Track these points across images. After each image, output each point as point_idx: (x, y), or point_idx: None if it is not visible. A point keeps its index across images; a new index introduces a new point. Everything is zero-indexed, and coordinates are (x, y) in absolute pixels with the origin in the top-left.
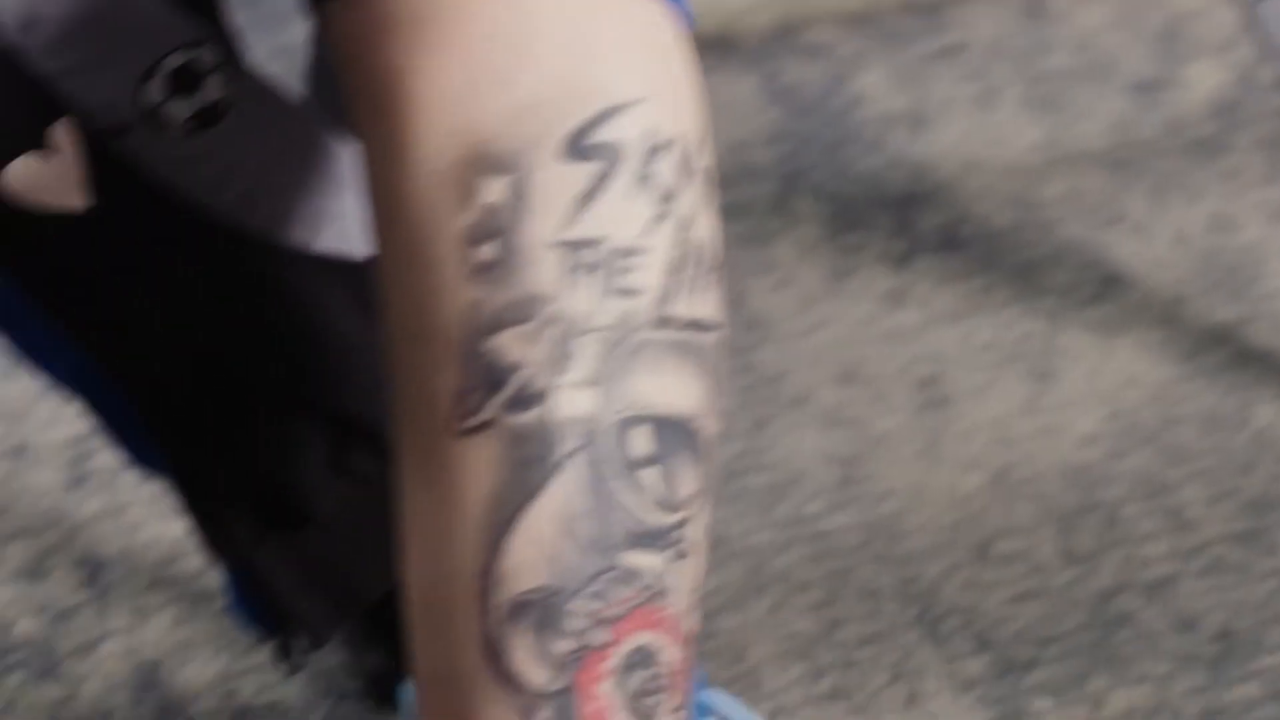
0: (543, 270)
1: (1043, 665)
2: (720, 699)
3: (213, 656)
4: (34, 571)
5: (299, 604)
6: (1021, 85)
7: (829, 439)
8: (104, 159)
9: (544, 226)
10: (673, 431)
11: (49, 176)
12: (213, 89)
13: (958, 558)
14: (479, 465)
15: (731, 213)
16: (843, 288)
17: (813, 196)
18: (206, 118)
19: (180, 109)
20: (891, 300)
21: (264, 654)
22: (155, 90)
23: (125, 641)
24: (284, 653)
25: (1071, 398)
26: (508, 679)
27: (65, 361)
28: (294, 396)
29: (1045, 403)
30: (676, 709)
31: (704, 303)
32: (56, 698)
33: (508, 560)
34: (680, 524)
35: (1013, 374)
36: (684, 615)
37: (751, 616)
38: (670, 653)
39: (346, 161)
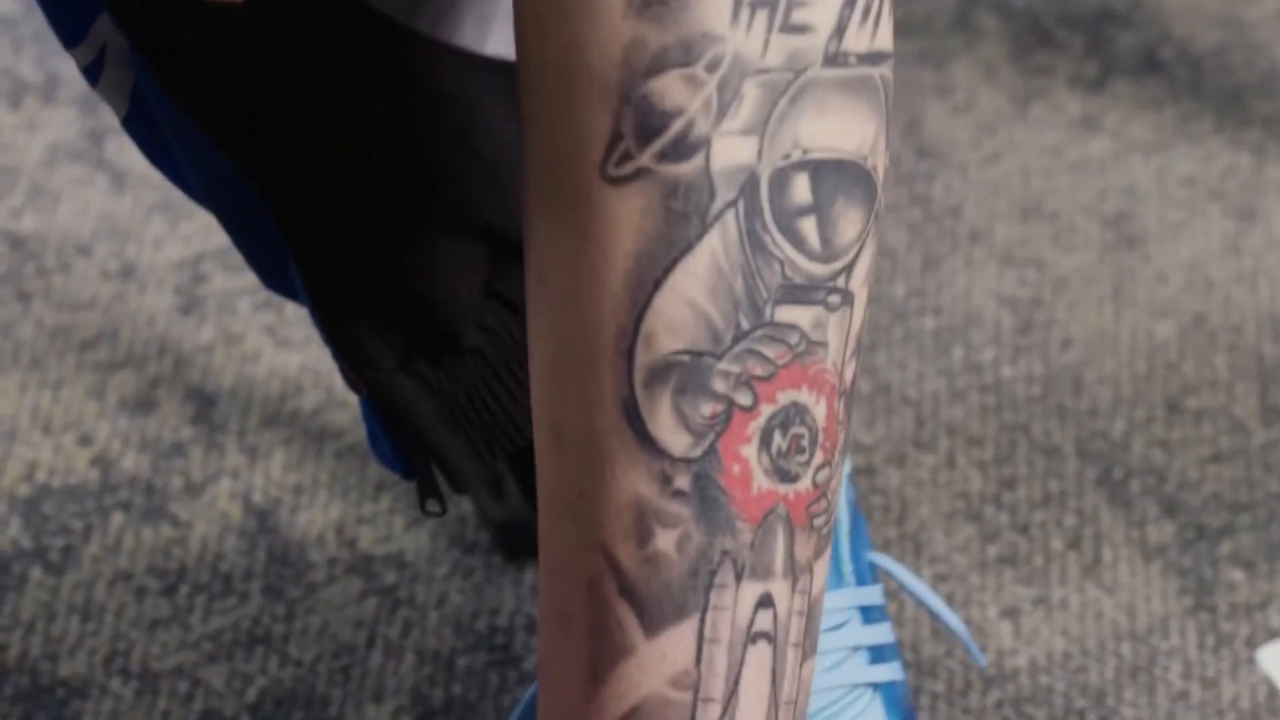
0: (710, 6)
1: (1236, 533)
2: (880, 559)
3: (331, 501)
4: (141, 403)
5: (443, 440)
6: None
7: (1006, 280)
8: None
9: None
10: (837, 174)
11: None
12: None
13: (1146, 413)
14: (629, 216)
15: (906, 28)
16: (1027, 113)
17: (997, 11)
18: None
19: None
20: (1081, 128)
21: (387, 500)
22: None
23: (237, 482)
24: (423, 494)
25: (1277, 239)
26: (647, 442)
27: (204, 167)
28: (451, 211)
29: (1247, 244)
30: (822, 466)
31: (878, 33)
32: (162, 540)
33: (654, 317)
34: (840, 272)
35: (1213, 212)
36: (840, 367)
37: (917, 473)
38: (820, 409)
39: None
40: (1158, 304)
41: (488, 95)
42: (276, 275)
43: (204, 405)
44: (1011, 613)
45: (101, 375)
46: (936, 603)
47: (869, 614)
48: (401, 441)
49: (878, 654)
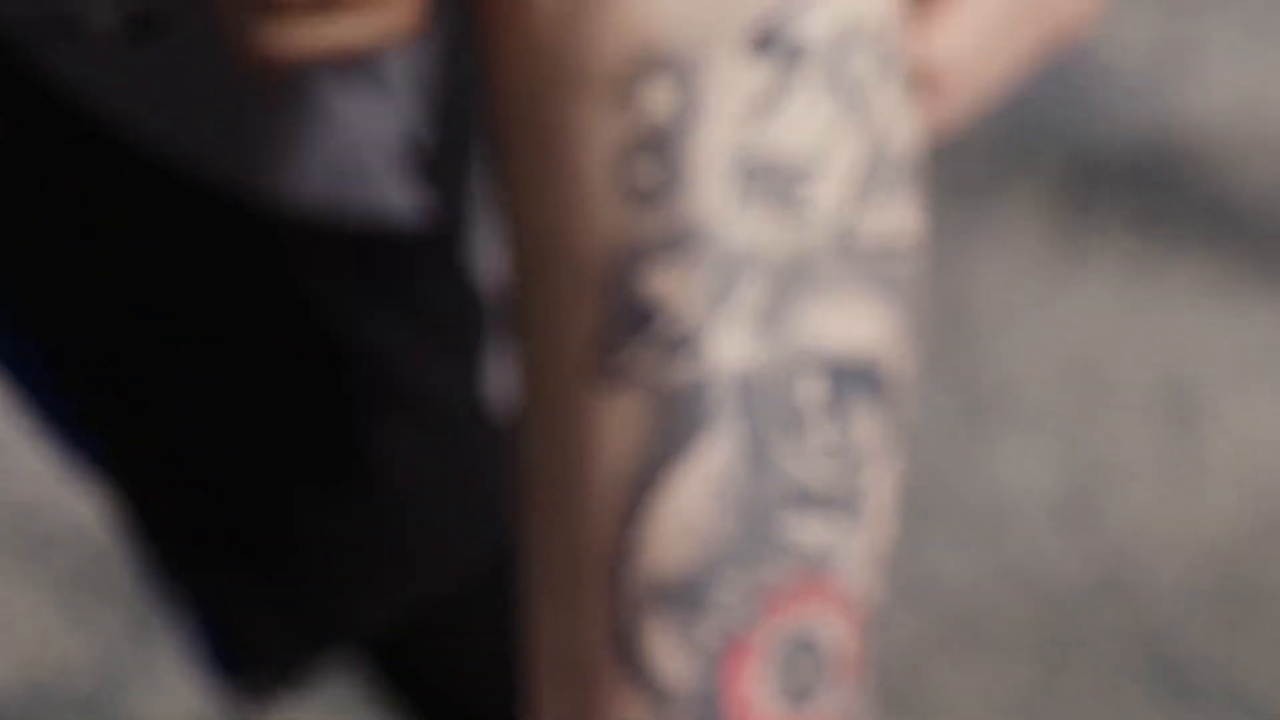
0: (708, 191)
1: None
2: None
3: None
4: None
5: (266, 635)
6: None
7: (1055, 456)
8: (10, 74)
9: (713, 137)
10: (850, 375)
11: None
12: None
13: (1207, 602)
14: (616, 420)
15: (948, 183)
16: (1078, 275)
17: (1034, 172)
18: (142, 27)
19: (107, 14)
20: (1135, 291)
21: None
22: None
23: None
24: (249, 693)
25: None
26: (639, 672)
27: None
28: (265, 387)
29: None
30: (844, 692)
31: (895, 218)
32: None
33: (645, 533)
34: (855, 482)
35: None
36: (859, 588)
37: (959, 667)
38: (837, 632)
39: (328, 86)
40: (1223, 482)
41: (307, 242)
42: (73, 443)
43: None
44: None
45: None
46: None
47: None
48: (217, 638)
49: None
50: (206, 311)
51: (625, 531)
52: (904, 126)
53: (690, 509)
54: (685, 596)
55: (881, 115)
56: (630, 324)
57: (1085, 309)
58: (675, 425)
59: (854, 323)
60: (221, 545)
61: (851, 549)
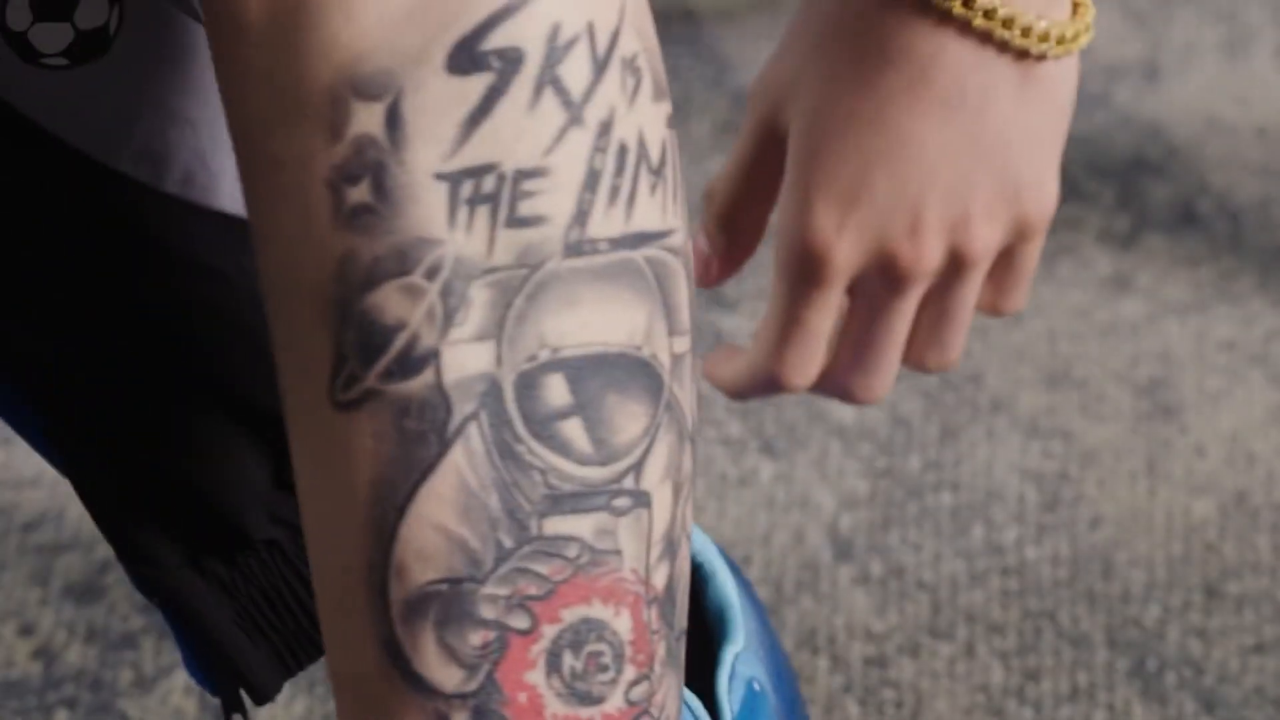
0: (424, 209)
1: None
2: None
3: (295, 696)
4: (87, 590)
5: (240, 647)
6: (1279, 30)
7: (1031, 452)
8: None
9: (425, 157)
10: (602, 369)
11: None
12: (95, 11)
13: (1182, 599)
14: (363, 442)
15: None
16: (1054, 272)
17: None
18: (87, 47)
19: (53, 35)
20: (1112, 287)
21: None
22: (19, 10)
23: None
24: (226, 709)
25: None
26: (415, 681)
27: None
28: (214, 390)
29: None
30: (637, 681)
31: (636, 213)
32: None
33: (403, 548)
34: (624, 472)
35: (1255, 379)
36: (644, 573)
37: (933, 664)
38: (623, 621)
39: None
40: (1195, 480)
41: (249, 260)
42: (41, 450)
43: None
44: None
45: (45, 559)
46: None
47: None
48: (199, 650)
49: None
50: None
51: (383, 549)
52: (634, 119)
53: (443, 521)
54: (449, 606)
55: (602, 112)
56: (366, 347)
57: (1063, 319)
58: (419, 442)
59: (594, 320)
60: (186, 555)
61: (629, 539)
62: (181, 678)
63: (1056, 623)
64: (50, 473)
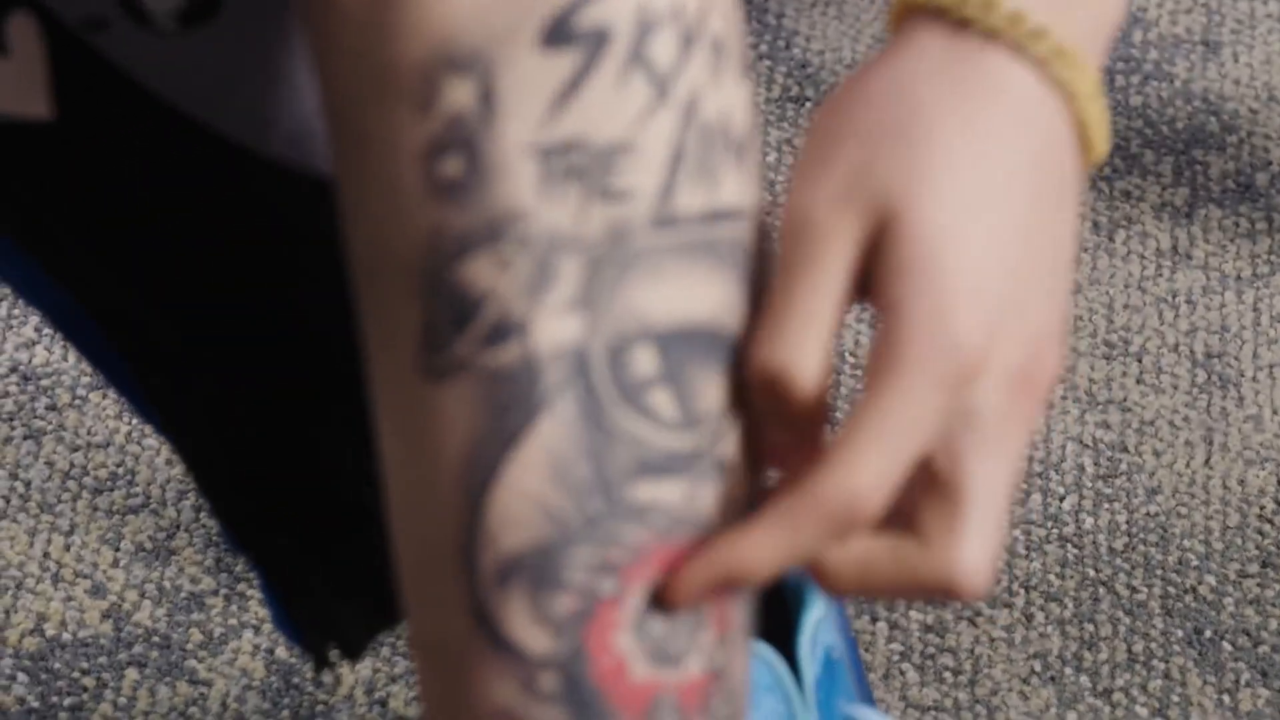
0: (515, 182)
1: None
2: (863, 713)
3: None
4: (158, 551)
5: (331, 605)
6: None
7: (1088, 423)
8: (73, 60)
9: (516, 131)
10: (685, 343)
11: (6, 80)
12: None
13: (1238, 568)
14: (453, 411)
15: None
16: (1111, 243)
17: None
18: (198, 10)
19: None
20: (1170, 259)
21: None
22: None
23: (261, 636)
24: (317, 663)
25: None
26: (503, 646)
27: (47, 301)
28: (332, 358)
29: None
30: (716, 646)
31: (719, 190)
32: (180, 699)
33: (492, 516)
34: (704, 442)
35: None
36: None
37: (991, 631)
38: None
39: None
40: (1251, 450)
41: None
42: (140, 410)
43: (225, 552)
44: None
45: (116, 520)
46: None
47: None
48: (293, 606)
49: None
50: (263, 281)
51: (473, 517)
52: (719, 98)
53: (532, 488)
54: (538, 572)
55: (688, 91)
56: (456, 317)
57: (1120, 290)
58: (509, 410)
59: (680, 294)
60: (285, 517)
61: (698, 508)
62: (249, 638)
63: (1114, 591)
64: (120, 435)
